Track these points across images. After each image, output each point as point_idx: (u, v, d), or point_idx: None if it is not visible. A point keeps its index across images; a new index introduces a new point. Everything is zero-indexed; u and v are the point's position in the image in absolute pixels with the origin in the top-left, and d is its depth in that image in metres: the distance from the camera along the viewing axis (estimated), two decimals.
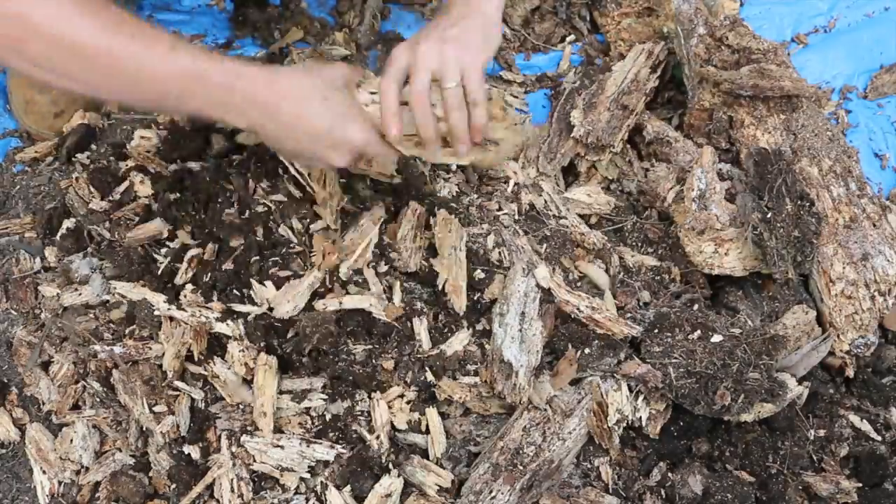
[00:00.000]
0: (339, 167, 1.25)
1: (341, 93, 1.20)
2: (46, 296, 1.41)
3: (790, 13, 2.01)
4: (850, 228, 1.53)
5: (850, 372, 1.50)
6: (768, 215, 1.44)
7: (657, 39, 1.83)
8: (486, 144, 1.28)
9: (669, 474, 1.33)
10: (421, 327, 1.35)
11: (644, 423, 1.35)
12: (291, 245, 1.39)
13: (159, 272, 1.38)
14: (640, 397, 1.35)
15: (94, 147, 1.59)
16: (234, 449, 1.25)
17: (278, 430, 1.27)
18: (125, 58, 1.05)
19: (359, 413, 1.30)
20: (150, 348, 1.32)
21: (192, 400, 1.30)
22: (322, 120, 1.17)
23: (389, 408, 1.29)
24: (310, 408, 1.29)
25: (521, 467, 1.26)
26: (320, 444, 1.25)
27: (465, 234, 1.43)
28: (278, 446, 1.24)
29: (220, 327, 1.30)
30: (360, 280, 1.37)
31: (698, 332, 1.37)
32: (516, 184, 1.61)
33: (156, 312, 1.32)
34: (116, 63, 1.05)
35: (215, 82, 1.10)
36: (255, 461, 1.24)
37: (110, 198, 1.47)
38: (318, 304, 1.32)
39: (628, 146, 1.72)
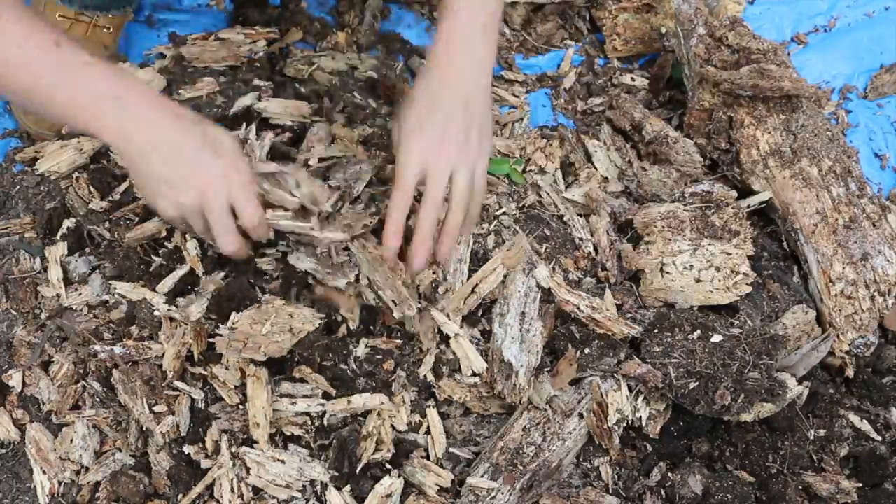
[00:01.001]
0: (163, 215, 1.14)
1: (213, 150, 1.10)
2: (46, 296, 1.41)
3: (790, 13, 2.01)
4: (849, 228, 1.53)
5: (850, 372, 1.50)
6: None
7: (654, 37, 1.84)
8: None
9: (669, 474, 1.33)
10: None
11: (644, 423, 1.35)
12: None
13: (160, 272, 1.38)
14: (640, 397, 1.35)
15: None
16: (233, 449, 1.25)
17: (279, 432, 1.27)
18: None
19: (360, 415, 1.30)
20: (150, 348, 1.32)
21: (192, 400, 1.30)
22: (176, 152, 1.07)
23: (381, 414, 1.30)
24: (309, 412, 1.29)
25: (521, 467, 1.26)
26: (320, 461, 1.25)
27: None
28: (279, 461, 1.24)
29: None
30: None
31: (698, 332, 1.37)
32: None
33: (156, 312, 1.32)
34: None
35: (96, 74, 1.05)
36: (250, 474, 1.23)
37: (110, 198, 1.47)
38: None
39: (628, 146, 1.72)
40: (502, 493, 1.23)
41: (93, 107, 1.05)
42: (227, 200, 1.10)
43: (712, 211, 1.53)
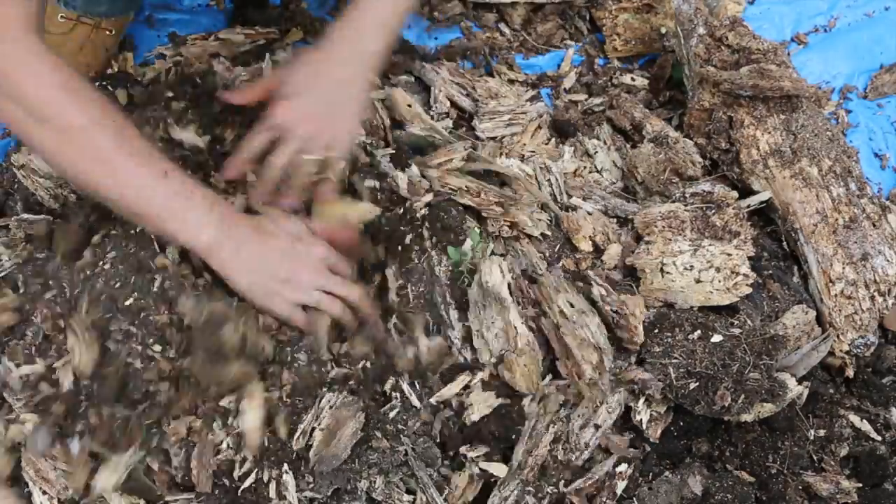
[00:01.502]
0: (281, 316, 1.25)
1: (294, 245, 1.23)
2: None
3: (790, 13, 2.01)
4: (849, 228, 1.53)
5: (850, 372, 1.50)
6: None
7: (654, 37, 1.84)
8: None
9: (669, 474, 1.33)
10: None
11: (645, 427, 1.34)
12: None
13: None
14: (641, 399, 1.35)
15: None
16: None
17: None
18: (119, 167, 1.10)
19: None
20: None
21: None
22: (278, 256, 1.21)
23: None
24: None
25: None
26: None
27: None
28: None
29: None
30: None
31: (698, 332, 1.37)
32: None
33: None
34: (106, 161, 1.09)
35: (198, 202, 1.15)
36: None
37: None
38: None
39: (628, 146, 1.73)
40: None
41: (198, 236, 1.16)
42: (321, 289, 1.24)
43: (713, 211, 1.53)
